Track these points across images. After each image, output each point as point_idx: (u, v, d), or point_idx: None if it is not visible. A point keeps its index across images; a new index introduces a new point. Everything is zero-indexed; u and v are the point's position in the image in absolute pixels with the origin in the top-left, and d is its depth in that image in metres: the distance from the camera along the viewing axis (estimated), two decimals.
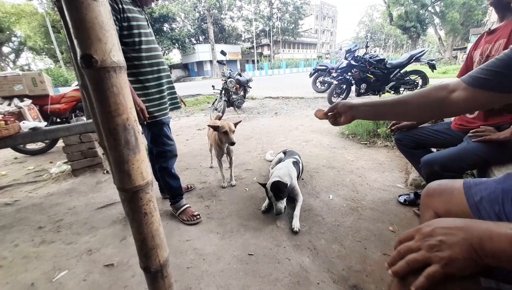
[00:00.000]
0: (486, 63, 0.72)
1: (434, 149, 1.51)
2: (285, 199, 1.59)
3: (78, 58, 0.42)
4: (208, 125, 1.89)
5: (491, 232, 0.38)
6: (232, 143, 1.83)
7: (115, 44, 0.45)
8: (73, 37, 0.42)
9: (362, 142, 2.95)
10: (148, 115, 1.40)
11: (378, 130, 2.95)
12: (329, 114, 0.94)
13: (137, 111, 1.28)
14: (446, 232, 0.42)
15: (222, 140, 1.91)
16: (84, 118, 3.26)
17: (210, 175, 2.35)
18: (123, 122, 0.48)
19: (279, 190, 1.55)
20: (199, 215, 1.64)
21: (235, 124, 1.91)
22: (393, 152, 2.55)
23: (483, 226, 0.40)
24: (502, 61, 0.67)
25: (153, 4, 1.47)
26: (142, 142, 0.55)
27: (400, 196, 1.70)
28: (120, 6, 1.22)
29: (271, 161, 2.43)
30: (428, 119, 1.00)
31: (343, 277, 1.13)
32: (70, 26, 0.42)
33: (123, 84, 0.48)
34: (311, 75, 7.37)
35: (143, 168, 0.54)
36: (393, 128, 1.59)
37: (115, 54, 0.45)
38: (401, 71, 5.30)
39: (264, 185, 1.67)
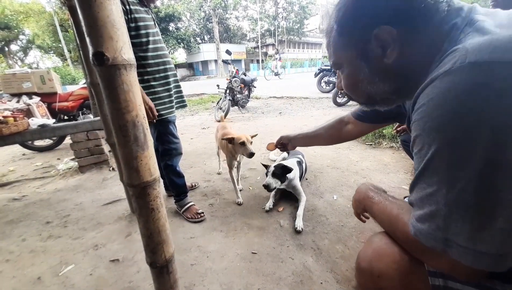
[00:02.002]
0: None
1: None
2: (279, 182, 1.64)
3: (90, 55, 0.43)
4: (222, 139, 1.72)
5: (365, 196, 0.72)
6: (252, 154, 1.56)
7: (125, 42, 0.46)
8: (86, 35, 0.43)
9: (367, 143, 2.93)
10: (156, 113, 1.41)
11: (384, 131, 2.93)
12: (278, 145, 1.34)
13: (146, 110, 1.29)
14: (354, 198, 0.80)
15: (237, 151, 1.70)
16: (91, 115, 3.30)
17: (214, 174, 2.36)
18: (133, 119, 0.49)
19: (284, 169, 1.63)
20: (203, 213, 1.65)
21: (252, 137, 1.69)
22: (398, 154, 2.53)
23: (364, 195, 0.73)
24: None
25: (158, 3, 1.48)
26: (150, 139, 0.55)
27: (405, 197, 1.69)
28: (128, 7, 1.23)
29: (275, 160, 2.44)
30: (336, 143, 1.29)
31: (347, 277, 1.13)
32: (82, 24, 0.43)
33: (133, 82, 0.48)
34: (316, 75, 7.34)
35: (151, 164, 0.55)
36: (398, 129, 1.57)
37: (126, 52, 0.46)
38: None
39: (267, 166, 1.73)
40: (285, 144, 1.31)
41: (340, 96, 5.31)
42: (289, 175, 1.70)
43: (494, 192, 0.37)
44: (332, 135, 1.15)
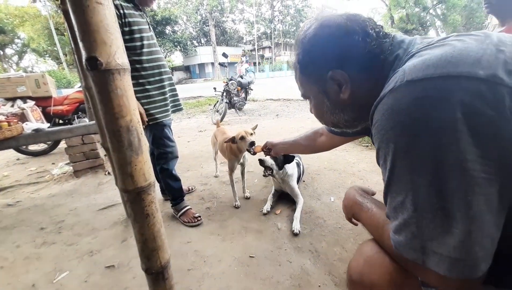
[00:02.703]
0: None
1: None
2: (274, 165, 1.65)
3: (84, 60, 0.43)
4: (225, 142, 1.71)
5: (353, 203, 0.71)
6: (252, 143, 1.56)
7: (119, 46, 0.46)
8: (79, 40, 0.42)
9: (363, 144, 2.94)
10: (147, 119, 1.41)
11: None
12: (264, 149, 1.39)
13: None
14: (343, 203, 0.77)
15: (242, 148, 1.68)
16: (86, 119, 3.28)
17: (211, 177, 2.35)
18: (127, 124, 0.49)
19: (285, 157, 1.64)
20: (200, 217, 1.64)
21: (253, 129, 1.72)
22: None
23: (352, 202, 0.72)
24: None
25: (153, 5, 1.48)
26: (145, 144, 0.55)
27: None
28: (121, 11, 1.24)
29: None
30: (312, 153, 1.35)
31: (345, 280, 1.12)
32: (75, 29, 0.42)
33: (126, 86, 0.48)
34: None
35: (145, 169, 0.55)
36: None
37: (120, 56, 0.45)
38: None
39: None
40: (270, 149, 1.38)
41: None
42: (288, 169, 1.69)
43: (453, 195, 0.38)
44: (308, 145, 1.21)
